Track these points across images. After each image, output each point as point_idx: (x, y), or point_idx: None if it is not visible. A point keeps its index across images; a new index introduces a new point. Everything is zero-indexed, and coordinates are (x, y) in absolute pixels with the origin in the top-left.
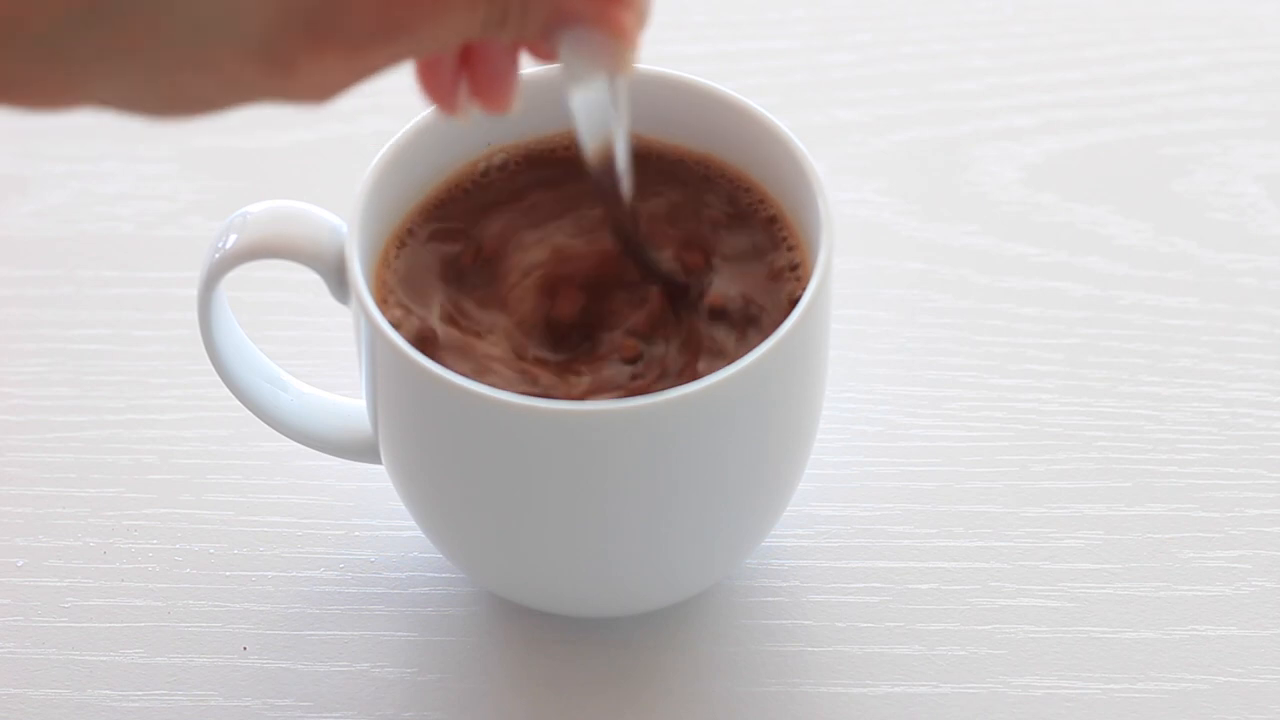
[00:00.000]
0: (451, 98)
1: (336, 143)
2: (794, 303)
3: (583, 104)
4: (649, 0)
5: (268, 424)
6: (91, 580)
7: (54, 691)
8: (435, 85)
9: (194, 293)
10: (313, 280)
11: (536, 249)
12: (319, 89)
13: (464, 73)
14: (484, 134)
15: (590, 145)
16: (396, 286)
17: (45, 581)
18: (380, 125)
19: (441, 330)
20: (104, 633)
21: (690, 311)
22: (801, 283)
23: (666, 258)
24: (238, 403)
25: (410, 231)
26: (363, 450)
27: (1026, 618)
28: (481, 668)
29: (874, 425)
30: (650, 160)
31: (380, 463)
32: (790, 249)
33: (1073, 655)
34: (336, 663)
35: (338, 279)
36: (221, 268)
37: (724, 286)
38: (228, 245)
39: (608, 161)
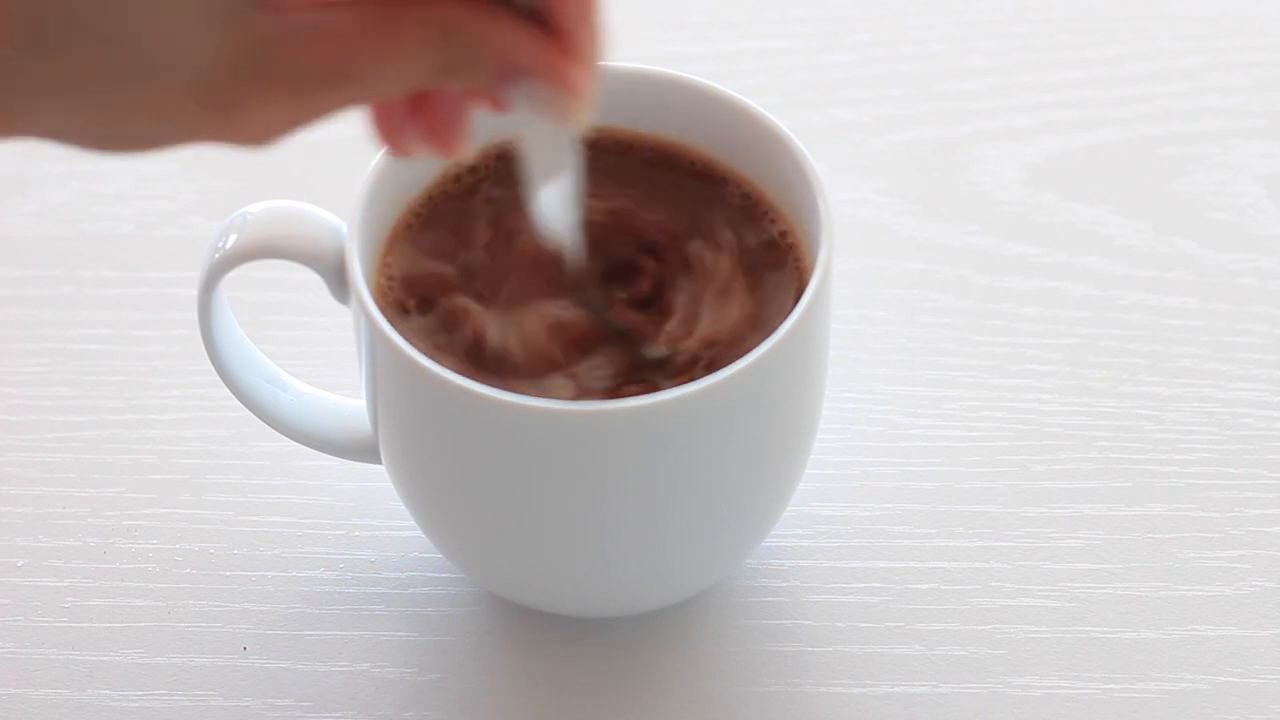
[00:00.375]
0: (402, 139)
1: (336, 143)
2: (794, 303)
3: (537, 159)
4: (600, 53)
5: (268, 424)
6: (91, 580)
7: (54, 691)
8: (388, 126)
9: (194, 293)
10: (313, 280)
11: (532, 247)
12: (262, 132)
13: (416, 116)
14: (484, 135)
15: (542, 197)
16: (396, 286)
17: (45, 581)
18: None
19: (444, 330)
20: (104, 633)
21: (641, 359)
22: (801, 283)
23: (618, 313)
24: (238, 403)
25: (410, 231)
26: (363, 450)
27: (1026, 618)
28: (481, 668)
29: (874, 425)
30: (650, 160)
31: (380, 463)
32: (790, 249)
33: (1073, 655)
34: (336, 663)
35: (338, 279)
36: (221, 268)
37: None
38: (228, 245)
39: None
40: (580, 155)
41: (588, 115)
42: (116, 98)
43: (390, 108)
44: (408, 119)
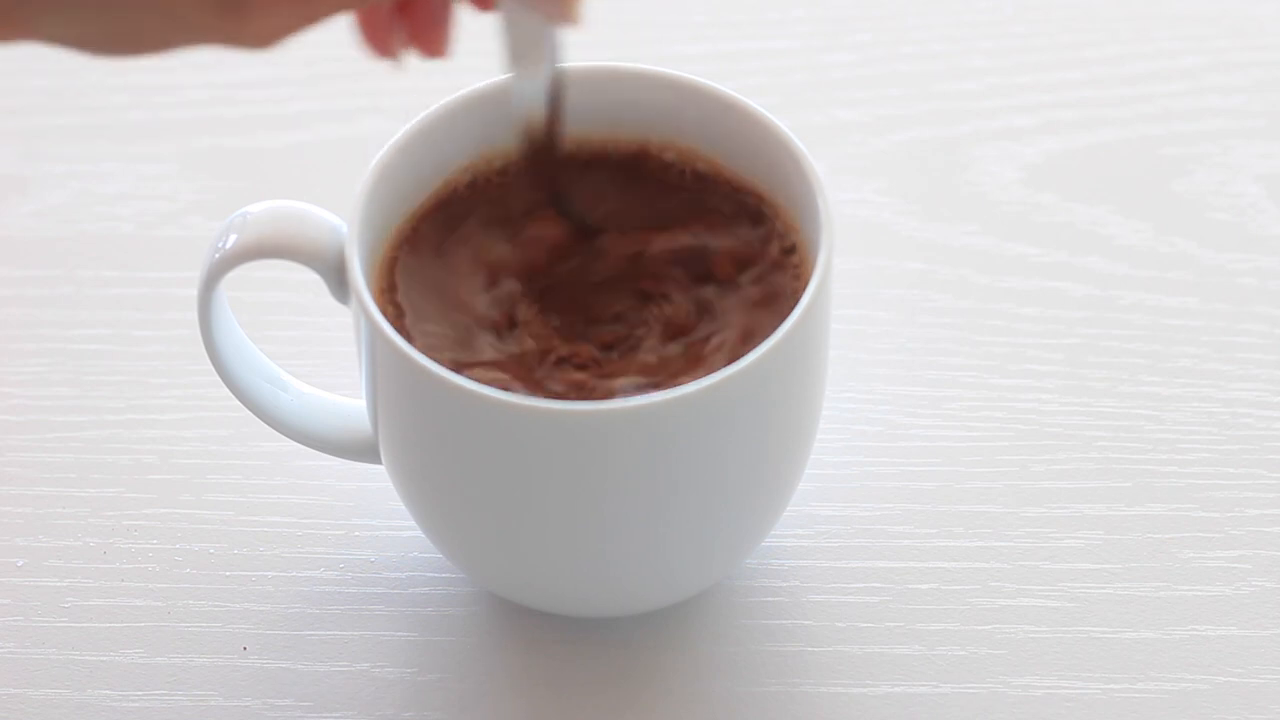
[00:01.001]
0: (388, 44)
1: (336, 143)
2: (794, 303)
3: (519, 51)
4: None
5: (268, 424)
6: (91, 580)
7: (54, 691)
8: (373, 32)
9: (194, 293)
10: (313, 280)
11: (531, 247)
12: (267, 34)
13: (401, 19)
14: (483, 136)
15: (522, 96)
16: (396, 286)
17: (45, 581)
18: (380, 125)
19: (440, 328)
20: (104, 633)
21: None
22: (801, 283)
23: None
24: (238, 403)
25: (410, 231)
26: (363, 450)
27: (1026, 618)
28: (482, 668)
29: (874, 425)
30: (650, 160)
31: (380, 463)
32: (790, 249)
33: (1073, 655)
34: (336, 663)
35: (338, 279)
36: (221, 268)
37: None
38: (228, 245)
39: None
40: (560, 48)
41: (581, 11)
42: None
43: (375, 13)
44: (393, 23)
